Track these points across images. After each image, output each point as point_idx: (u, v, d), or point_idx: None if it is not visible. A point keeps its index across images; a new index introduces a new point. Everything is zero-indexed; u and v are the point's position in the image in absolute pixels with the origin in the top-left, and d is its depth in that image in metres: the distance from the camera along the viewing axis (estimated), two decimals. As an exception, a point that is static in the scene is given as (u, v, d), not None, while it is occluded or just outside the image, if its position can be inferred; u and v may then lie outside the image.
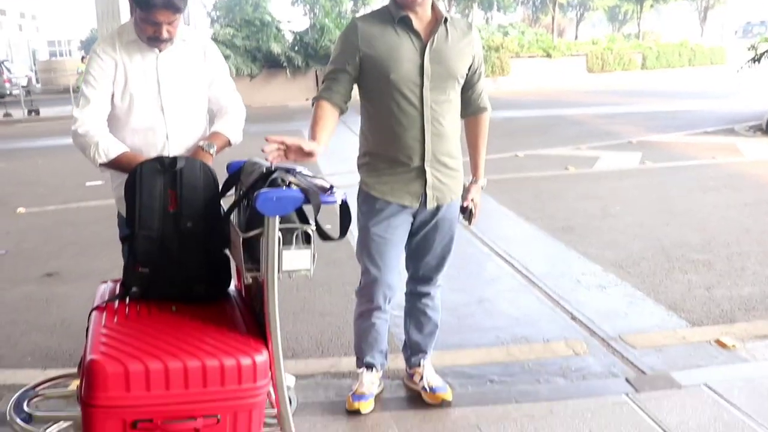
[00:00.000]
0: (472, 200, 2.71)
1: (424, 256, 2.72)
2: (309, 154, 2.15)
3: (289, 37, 21.19)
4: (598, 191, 6.99)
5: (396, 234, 2.59)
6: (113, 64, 2.52)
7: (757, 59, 13.09)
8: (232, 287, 2.44)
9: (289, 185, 1.94)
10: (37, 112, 18.67)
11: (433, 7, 2.51)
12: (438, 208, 2.61)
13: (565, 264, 4.72)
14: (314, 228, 1.95)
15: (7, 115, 18.45)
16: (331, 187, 1.96)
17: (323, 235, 1.96)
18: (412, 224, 2.64)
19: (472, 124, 2.73)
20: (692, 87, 22.29)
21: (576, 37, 47.43)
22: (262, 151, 2.02)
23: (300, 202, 1.88)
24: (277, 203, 1.86)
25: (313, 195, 1.87)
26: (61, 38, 74.27)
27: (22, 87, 22.28)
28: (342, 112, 2.52)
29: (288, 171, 2.11)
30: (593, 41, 32.56)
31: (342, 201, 1.93)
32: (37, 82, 31.62)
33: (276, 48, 19.59)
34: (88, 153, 2.48)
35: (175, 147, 2.58)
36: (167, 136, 2.58)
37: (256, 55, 19.74)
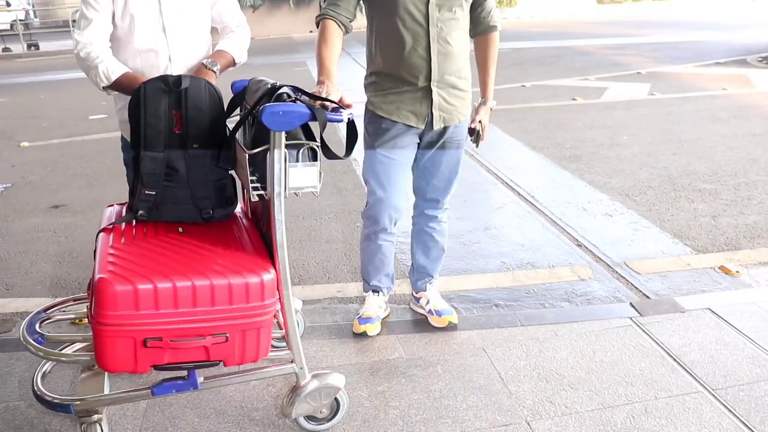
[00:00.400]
0: (480, 122, 2.67)
1: (432, 178, 2.70)
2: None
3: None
4: (606, 121, 6.90)
5: (402, 154, 2.57)
6: None
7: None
8: (238, 209, 2.44)
9: (295, 101, 1.91)
10: (37, 47, 18.41)
11: None
12: (445, 129, 2.57)
13: (572, 192, 4.70)
14: (320, 145, 1.92)
15: (6, 50, 18.18)
16: (339, 105, 1.92)
17: (329, 154, 1.94)
18: (419, 145, 2.61)
19: (482, 44, 2.66)
20: (705, 17, 21.71)
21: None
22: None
23: (306, 117, 1.85)
24: (283, 117, 1.83)
25: (319, 112, 1.84)
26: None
27: (20, 21, 21.87)
28: (347, 31, 2.46)
29: (295, 90, 2.07)
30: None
31: (348, 119, 1.90)
32: (35, 15, 30.98)
33: (279, -23, 19.13)
34: (91, 76, 2.43)
35: (178, 68, 2.52)
36: (170, 57, 2.52)
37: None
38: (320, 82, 2.20)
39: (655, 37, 15.89)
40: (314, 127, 1.93)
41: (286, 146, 1.88)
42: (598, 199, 4.54)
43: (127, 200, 2.37)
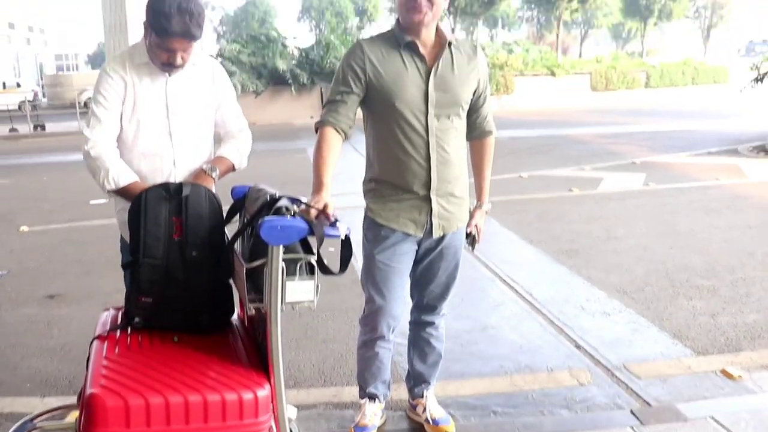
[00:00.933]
0: (476, 226, 2.69)
1: (429, 284, 2.69)
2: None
3: (295, 54, 21.29)
4: (602, 213, 6.98)
5: (401, 262, 2.57)
6: (123, 84, 2.49)
7: (759, 79, 13.12)
8: (234, 317, 2.43)
9: (294, 215, 1.93)
10: (43, 128, 18.78)
11: (438, 29, 2.48)
12: (443, 236, 2.59)
13: (569, 289, 4.70)
14: (317, 260, 1.93)
15: (13, 130, 18.53)
16: (336, 220, 1.94)
17: (324, 269, 1.95)
18: (417, 251, 2.62)
19: (477, 148, 2.71)
20: (695, 106, 22.33)
21: (580, 55, 47.70)
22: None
23: (304, 232, 1.87)
24: (282, 232, 1.85)
25: (317, 227, 1.86)
26: (69, 52, 74.90)
27: (29, 101, 22.40)
28: (346, 138, 2.48)
29: (293, 201, 2.10)
30: (597, 59, 32.68)
31: (345, 235, 1.92)
32: (44, 96, 31.78)
33: (281, 65, 19.67)
34: (98, 178, 2.45)
35: (182, 172, 2.56)
36: (174, 162, 2.56)
37: (262, 71, 19.82)
38: (314, 193, 2.22)
39: (648, 125, 16.27)
40: (312, 240, 1.95)
41: (284, 260, 1.89)
42: (596, 297, 4.52)
43: (123, 303, 2.37)
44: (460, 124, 2.54)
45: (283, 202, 1.96)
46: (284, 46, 21.23)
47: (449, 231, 2.59)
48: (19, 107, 22.84)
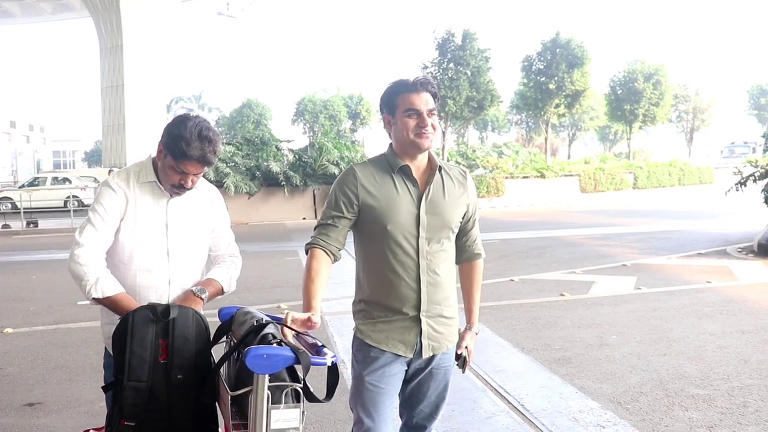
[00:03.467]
0: (466, 347, 2.67)
1: (419, 404, 2.65)
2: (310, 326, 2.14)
3: (289, 156, 21.76)
4: (594, 319, 6.94)
5: (390, 383, 2.53)
6: (124, 201, 2.53)
7: (743, 183, 13.44)
8: (218, 439, 2.36)
9: (280, 343, 1.92)
10: (36, 224, 18.84)
11: (429, 154, 2.56)
12: (433, 356, 2.57)
13: (562, 400, 4.60)
14: (303, 388, 1.90)
15: (5, 226, 18.60)
16: (322, 346, 1.93)
17: (311, 397, 1.92)
18: (407, 372, 2.59)
19: (467, 270, 2.74)
20: (683, 207, 22.73)
21: (569, 156, 48.93)
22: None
23: (291, 361, 1.86)
24: (267, 361, 1.84)
25: (303, 355, 1.85)
26: (66, 149, 76.38)
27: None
28: (335, 260, 2.50)
29: (280, 320, 2.10)
30: (585, 161, 33.59)
31: (332, 362, 1.90)
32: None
33: (275, 167, 20.06)
34: (84, 285, 2.43)
35: (176, 291, 2.56)
36: (170, 280, 2.56)
37: (255, 173, 20.19)
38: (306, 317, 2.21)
39: (637, 226, 16.49)
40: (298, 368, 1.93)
41: (270, 387, 1.87)
42: (589, 408, 4.43)
43: (104, 423, 2.31)
44: (450, 247, 2.58)
45: (270, 329, 1.95)
46: (278, 148, 21.74)
47: (439, 351, 2.57)
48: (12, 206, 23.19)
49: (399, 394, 2.64)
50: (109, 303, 2.45)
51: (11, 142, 53.26)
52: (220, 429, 2.37)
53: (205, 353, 2.26)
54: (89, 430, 2.44)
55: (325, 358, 1.87)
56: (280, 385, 1.89)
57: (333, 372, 1.95)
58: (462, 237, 2.66)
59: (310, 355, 1.88)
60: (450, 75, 29.42)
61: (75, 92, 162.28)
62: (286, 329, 2.04)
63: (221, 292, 2.66)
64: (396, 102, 2.47)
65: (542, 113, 33.76)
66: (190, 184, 2.52)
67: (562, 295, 8.16)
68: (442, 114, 28.75)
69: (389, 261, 2.46)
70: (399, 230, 2.45)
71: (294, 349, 1.87)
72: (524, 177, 26.54)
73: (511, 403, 4.53)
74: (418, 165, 2.52)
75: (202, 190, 2.70)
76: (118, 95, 38.27)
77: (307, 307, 2.26)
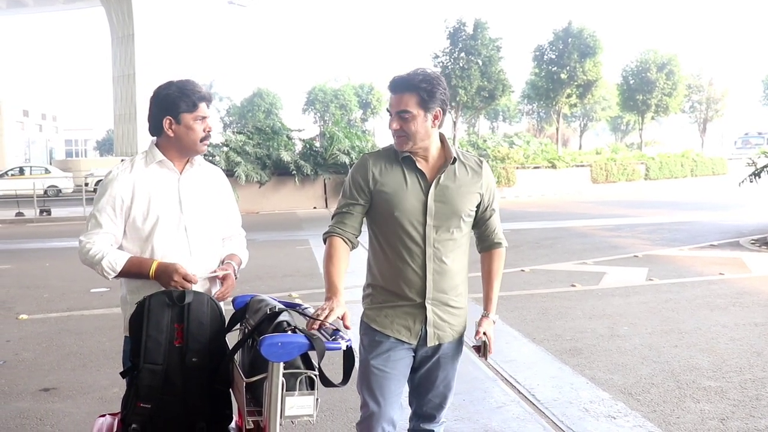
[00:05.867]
0: (484, 333, 2.64)
1: (427, 393, 2.66)
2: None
3: (299, 145, 21.77)
4: (605, 309, 6.93)
5: (396, 368, 2.54)
6: (131, 188, 2.52)
7: (757, 174, 13.34)
8: (232, 424, 2.39)
9: (294, 330, 1.93)
10: (49, 212, 18.98)
11: (444, 144, 2.57)
12: (440, 346, 2.58)
13: (573, 390, 4.60)
14: (318, 374, 1.92)
15: (19, 214, 18.75)
16: (336, 330, 1.94)
17: (326, 382, 1.93)
18: (414, 359, 2.60)
19: (487, 259, 2.73)
20: (695, 198, 22.58)
21: (580, 147, 48.68)
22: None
23: (305, 348, 1.87)
24: (282, 349, 1.85)
25: (318, 341, 1.86)
26: (78, 138, 76.77)
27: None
28: (353, 247, 2.54)
29: (294, 307, 2.11)
30: (597, 151, 33.36)
31: (347, 346, 1.92)
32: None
33: (286, 156, 20.07)
34: (98, 271, 2.48)
35: (198, 266, 2.57)
36: (191, 252, 2.57)
37: (266, 162, 20.21)
38: (327, 299, 2.26)
39: (649, 217, 16.41)
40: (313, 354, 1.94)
41: (284, 374, 1.88)
42: (600, 399, 4.43)
43: (119, 405, 2.34)
44: (460, 236, 2.57)
45: (284, 317, 1.96)
46: (289, 138, 21.74)
47: (445, 341, 2.58)
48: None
49: (408, 383, 2.66)
50: (127, 273, 2.47)
51: (24, 130, 53.55)
52: (233, 415, 2.39)
53: (220, 338, 2.29)
54: (105, 415, 2.47)
55: (339, 343, 1.88)
56: (295, 373, 1.91)
57: (348, 356, 1.97)
58: (480, 226, 2.66)
59: (324, 340, 1.89)
60: (461, 64, 29.29)
61: (87, 81, 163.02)
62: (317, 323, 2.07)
63: (239, 264, 2.72)
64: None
65: (554, 103, 33.57)
66: (211, 127, 2.62)
67: (573, 285, 8.14)
68: (453, 104, 28.64)
69: (396, 247, 2.49)
70: (406, 217, 2.47)
71: (308, 336, 1.88)
72: (535, 167, 26.44)
73: (521, 393, 4.54)
74: (424, 154, 2.53)
75: (205, 167, 2.74)
76: (129, 84, 38.42)
77: (332, 289, 2.31)
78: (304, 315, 2.11)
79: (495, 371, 4.98)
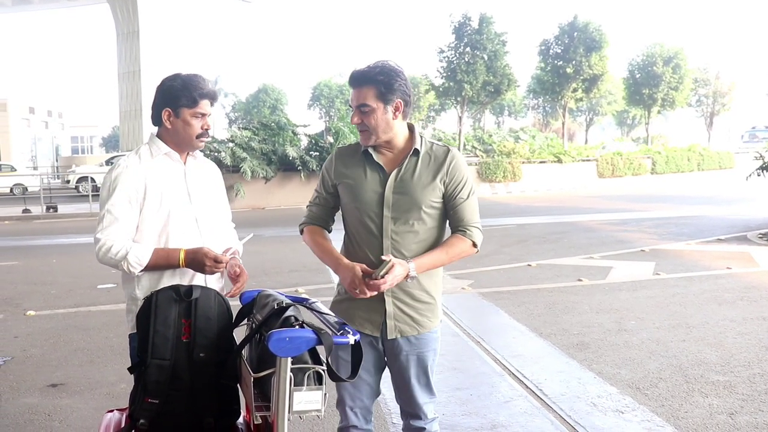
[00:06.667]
0: (391, 264, 2.35)
1: (406, 390, 2.62)
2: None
3: (304, 141, 21.76)
4: (613, 304, 6.91)
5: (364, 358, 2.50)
6: (143, 180, 2.49)
7: (764, 168, 13.27)
8: (240, 419, 2.39)
9: (302, 325, 1.93)
10: (56, 209, 19.03)
11: (411, 136, 2.56)
12: (408, 341, 2.54)
13: (581, 385, 4.59)
14: (326, 368, 1.91)
15: (26, 211, 18.83)
16: (344, 324, 1.94)
17: (335, 377, 1.93)
18: (385, 353, 2.58)
19: (453, 236, 2.57)
20: (702, 192, 22.49)
21: (586, 141, 48.52)
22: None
23: (313, 342, 1.87)
24: (290, 344, 1.85)
25: (326, 336, 1.86)
26: (84, 134, 76.95)
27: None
28: (329, 231, 2.66)
29: (301, 301, 2.10)
30: (603, 146, 33.23)
31: (355, 340, 1.91)
32: (58, 177, 32.44)
33: (291, 151, 20.08)
34: (123, 267, 2.42)
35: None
36: (203, 245, 2.54)
37: (272, 157, 20.22)
38: (339, 271, 2.43)
39: (655, 211, 16.35)
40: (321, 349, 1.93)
41: (292, 369, 1.88)
42: (608, 393, 4.42)
43: (127, 401, 2.34)
44: (424, 230, 2.51)
45: (292, 312, 1.96)
46: (294, 133, 21.74)
47: (408, 334, 2.53)
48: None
49: (392, 381, 2.66)
50: (154, 266, 2.44)
51: (30, 128, 53.71)
52: (241, 410, 2.39)
53: (227, 334, 2.29)
54: (113, 410, 2.47)
55: (347, 337, 1.87)
56: (303, 367, 1.90)
57: (357, 350, 1.96)
58: (449, 215, 2.57)
59: (332, 334, 1.88)
60: (467, 59, 29.17)
61: (92, 78, 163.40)
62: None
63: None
64: None
65: (559, 98, 33.43)
66: (209, 125, 2.60)
67: (579, 280, 8.12)
68: (458, 98, 28.56)
69: (357, 238, 2.54)
70: (364, 209, 2.49)
71: (316, 331, 1.87)
72: (541, 162, 26.39)
73: (529, 388, 4.53)
74: (390, 147, 2.53)
75: (202, 159, 2.75)
76: (135, 81, 38.45)
77: (335, 261, 2.44)
78: (313, 309, 2.10)
79: (502, 366, 4.97)
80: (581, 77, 32.14)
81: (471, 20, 29.91)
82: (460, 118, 29.62)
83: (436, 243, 2.54)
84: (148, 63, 38.28)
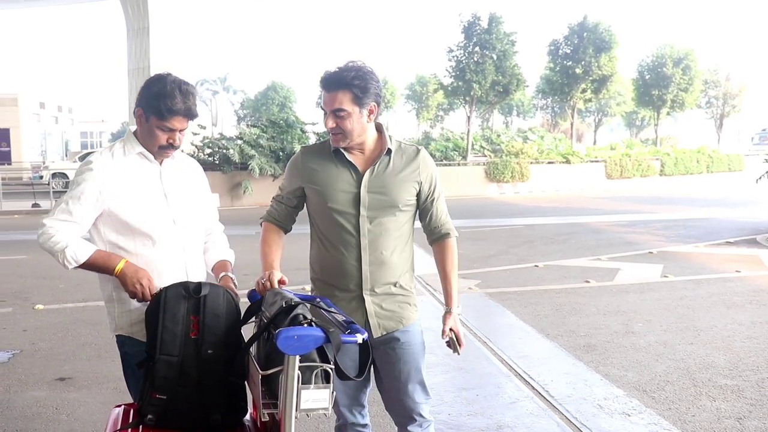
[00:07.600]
0: (451, 330, 2.56)
1: (394, 392, 2.60)
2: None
3: (313, 139, 21.78)
4: (620, 306, 6.89)
5: (343, 360, 2.48)
6: (114, 180, 2.43)
7: (774, 170, 13.21)
8: (247, 417, 2.39)
9: (310, 323, 1.93)
10: (64, 203, 19.10)
11: (381, 136, 2.55)
12: (393, 337, 2.53)
13: (587, 387, 4.58)
14: (334, 367, 1.91)
15: (35, 205, 18.93)
16: (351, 322, 1.93)
17: (342, 375, 1.93)
18: (374, 359, 2.53)
19: (438, 251, 2.65)
20: (711, 194, 22.39)
21: (594, 142, 48.35)
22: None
23: (321, 341, 1.87)
24: (298, 342, 1.85)
25: (334, 334, 1.86)
26: (94, 130, 77.27)
27: (51, 177, 22.95)
28: (286, 231, 2.66)
29: (309, 299, 2.11)
30: (612, 146, 33.11)
31: (363, 340, 1.91)
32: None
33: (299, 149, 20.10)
34: (58, 258, 2.39)
35: (192, 257, 2.56)
36: (183, 248, 2.54)
37: (280, 155, 20.26)
38: (264, 271, 2.39)
39: (664, 213, 16.29)
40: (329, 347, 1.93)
41: (300, 367, 1.88)
42: (614, 395, 4.41)
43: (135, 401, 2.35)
44: (398, 227, 2.52)
45: (300, 310, 1.96)
46: (303, 131, 21.77)
47: (393, 330, 2.53)
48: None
49: (377, 385, 2.65)
50: (92, 266, 2.41)
51: (40, 123, 53.93)
52: (248, 407, 2.39)
53: (235, 331, 2.29)
54: (121, 405, 2.48)
55: (355, 336, 1.87)
56: (311, 366, 1.90)
57: (364, 349, 1.97)
58: (425, 217, 2.61)
59: (340, 333, 1.89)
60: (476, 59, 29.05)
61: (102, 74, 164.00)
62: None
63: (232, 272, 2.69)
64: None
65: (568, 98, 33.28)
66: (177, 141, 2.48)
67: (587, 281, 8.10)
68: (467, 98, 28.48)
69: (333, 239, 2.51)
70: (339, 209, 2.47)
71: (324, 329, 1.87)
72: (549, 162, 26.32)
73: (535, 389, 4.52)
74: (362, 148, 2.51)
75: (181, 158, 2.67)
76: (144, 77, 38.10)
77: (266, 266, 2.46)
78: (320, 307, 2.10)
79: (508, 367, 4.97)
80: (590, 78, 31.97)
81: (480, 20, 29.78)
82: (469, 117, 29.50)
83: (409, 236, 2.58)
84: (157, 59, 38.32)
